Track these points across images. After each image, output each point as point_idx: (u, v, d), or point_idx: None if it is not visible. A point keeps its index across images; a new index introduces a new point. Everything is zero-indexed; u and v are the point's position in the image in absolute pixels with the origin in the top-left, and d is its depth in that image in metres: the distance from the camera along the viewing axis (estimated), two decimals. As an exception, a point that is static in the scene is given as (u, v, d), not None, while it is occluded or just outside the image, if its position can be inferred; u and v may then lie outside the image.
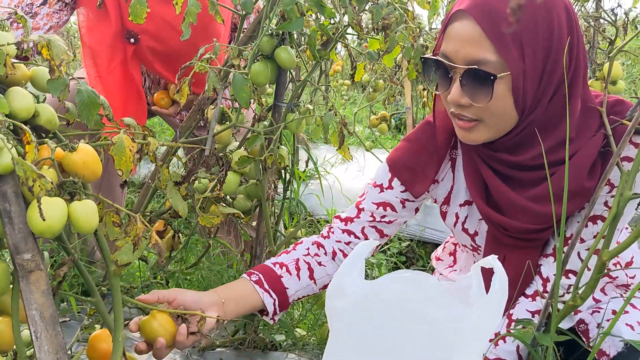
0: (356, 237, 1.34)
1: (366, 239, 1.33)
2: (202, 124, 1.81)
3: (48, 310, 0.90)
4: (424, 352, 0.94)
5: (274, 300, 1.27)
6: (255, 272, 1.29)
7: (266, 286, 1.27)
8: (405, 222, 1.38)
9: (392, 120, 2.84)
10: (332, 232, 1.36)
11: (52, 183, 0.86)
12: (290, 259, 1.32)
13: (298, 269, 1.31)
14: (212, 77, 1.27)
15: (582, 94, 1.09)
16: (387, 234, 1.36)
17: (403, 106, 3.68)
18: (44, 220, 0.85)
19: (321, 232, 1.38)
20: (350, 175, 3.33)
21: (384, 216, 1.32)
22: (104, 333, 1.12)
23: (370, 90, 2.85)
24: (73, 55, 5.17)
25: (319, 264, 1.33)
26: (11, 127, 0.96)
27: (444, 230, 2.61)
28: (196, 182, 1.49)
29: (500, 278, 0.94)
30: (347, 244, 1.34)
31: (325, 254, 1.34)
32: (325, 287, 1.34)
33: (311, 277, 1.32)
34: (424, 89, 2.48)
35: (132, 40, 1.89)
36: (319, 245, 1.35)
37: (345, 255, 1.34)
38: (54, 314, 0.90)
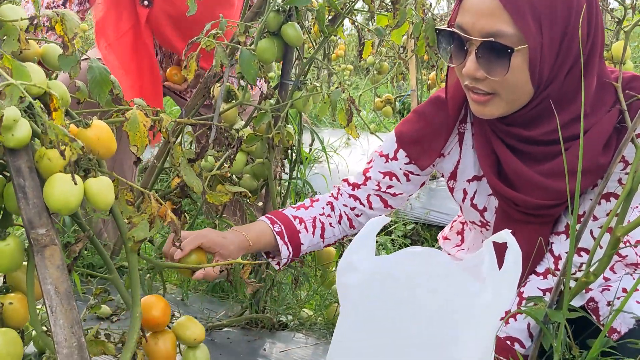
0: (361, 203, 1.37)
1: (370, 207, 1.37)
2: (208, 102, 1.80)
3: (63, 284, 0.90)
4: (435, 330, 0.94)
5: (290, 252, 1.34)
6: (278, 222, 1.34)
7: (286, 239, 1.33)
8: (410, 196, 1.40)
9: (397, 103, 2.82)
10: (341, 195, 1.40)
11: (82, 148, 0.86)
12: (309, 216, 1.38)
13: (314, 227, 1.37)
14: (220, 53, 1.26)
15: (597, 70, 1.08)
16: (390, 205, 1.38)
17: (406, 90, 3.67)
18: (75, 184, 0.85)
19: (331, 192, 1.43)
20: (354, 159, 3.32)
21: (389, 186, 1.34)
22: (155, 299, 1.14)
23: (375, 72, 2.83)
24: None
25: (330, 224, 1.39)
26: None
27: (449, 213, 2.61)
28: (202, 160, 1.48)
29: (514, 252, 0.93)
30: (352, 209, 1.38)
31: (335, 216, 1.40)
32: (328, 245, 1.43)
33: (322, 236, 1.38)
34: (432, 66, 2.45)
35: (145, 2, 1.85)
36: (332, 206, 1.40)
37: (349, 220, 1.40)
38: (68, 288, 0.90)
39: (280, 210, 1.40)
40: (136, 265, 1.00)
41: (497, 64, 1.03)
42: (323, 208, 1.40)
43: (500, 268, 0.93)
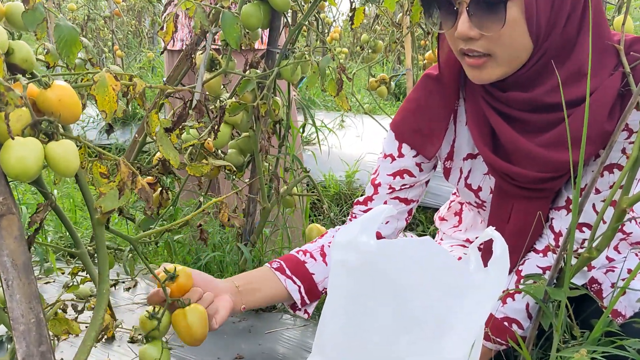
0: None
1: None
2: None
3: (21, 257, 0.82)
4: (424, 319, 0.91)
5: (299, 286, 1.19)
6: (277, 260, 1.22)
7: (288, 272, 1.19)
8: (427, 183, 1.30)
9: (392, 82, 2.73)
10: (355, 217, 1.29)
11: (22, 98, 0.78)
12: (314, 246, 1.26)
13: (323, 254, 1.24)
14: (199, 14, 1.17)
15: (597, 30, 1.00)
16: (412, 199, 1.28)
17: (401, 71, 3.59)
18: (13, 138, 0.77)
19: (345, 222, 1.31)
20: (348, 141, 3.25)
21: (403, 184, 1.25)
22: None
23: (369, 51, 2.74)
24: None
25: None
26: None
27: (444, 195, 2.54)
28: (184, 133, 1.40)
29: (500, 246, 0.89)
30: None
31: None
32: None
33: None
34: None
35: None
36: None
37: None
38: (27, 261, 0.82)
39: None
40: (104, 239, 0.93)
41: (491, 17, 0.96)
42: (332, 236, 1.28)
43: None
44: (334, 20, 5.15)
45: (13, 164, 0.82)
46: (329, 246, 1.25)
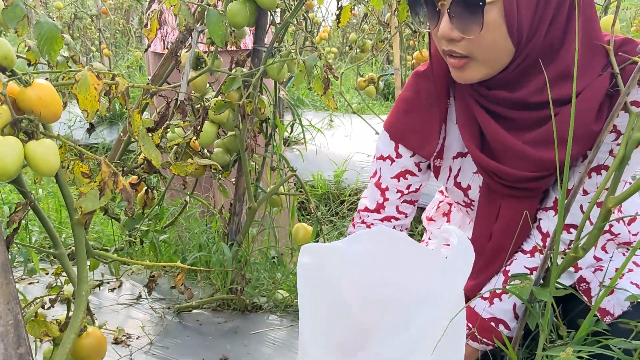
0: (396, 219, 1.25)
1: (405, 216, 1.26)
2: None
3: (-1, 257, 0.81)
4: (394, 311, 0.92)
5: None
6: None
7: None
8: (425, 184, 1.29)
9: (380, 82, 2.73)
10: (371, 226, 1.27)
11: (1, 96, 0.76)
12: None
13: None
14: (184, 11, 1.16)
15: (586, 30, 1.00)
16: (416, 200, 1.27)
17: (389, 70, 3.58)
18: None
19: (350, 228, 1.30)
20: (337, 141, 3.24)
21: (408, 186, 1.23)
22: None
23: (358, 50, 2.73)
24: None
25: None
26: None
27: (431, 195, 2.53)
28: (169, 132, 1.39)
29: (458, 236, 0.92)
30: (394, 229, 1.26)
31: None
32: None
33: None
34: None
35: None
36: None
37: None
38: (5, 261, 0.81)
39: None
40: (83, 240, 0.91)
41: (470, 20, 0.95)
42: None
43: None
44: (324, 20, 5.14)
45: (-8, 163, 0.80)
46: None
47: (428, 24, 1.04)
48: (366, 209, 1.27)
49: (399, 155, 1.21)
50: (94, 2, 5.22)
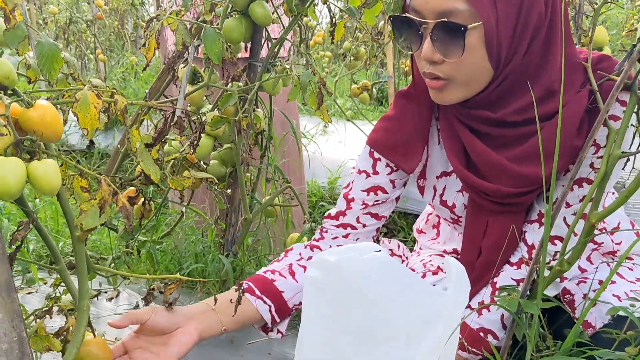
0: (353, 227, 1.27)
1: (364, 226, 1.28)
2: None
3: (2, 275, 0.83)
4: (389, 334, 0.94)
5: (269, 306, 1.18)
6: (245, 281, 1.21)
7: (258, 292, 1.18)
8: (397, 198, 1.32)
9: (374, 89, 2.76)
10: (326, 232, 1.29)
11: (6, 128, 0.79)
12: (282, 264, 1.25)
13: (292, 272, 1.23)
14: (181, 30, 1.19)
15: (564, 48, 1.03)
16: (383, 215, 1.29)
17: (384, 76, 3.62)
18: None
19: (313, 237, 1.31)
20: (330, 147, 3.27)
21: (376, 200, 1.26)
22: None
23: (351, 58, 2.77)
24: (44, 24, 5.00)
25: None
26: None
27: (425, 202, 2.57)
28: (166, 145, 1.42)
29: (456, 269, 0.94)
30: (345, 237, 1.28)
31: None
32: None
33: None
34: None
35: None
36: (313, 247, 1.29)
37: None
38: (9, 279, 0.83)
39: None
40: (83, 256, 0.94)
41: (452, 44, 0.99)
42: (300, 253, 1.28)
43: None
44: (318, 24, 5.17)
45: (-5, 183, 0.83)
46: (298, 264, 1.26)
47: (411, 46, 1.07)
48: (328, 216, 1.30)
49: (375, 172, 1.25)
50: (89, 8, 5.24)
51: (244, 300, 1.14)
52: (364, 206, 1.26)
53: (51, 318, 1.14)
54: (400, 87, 2.89)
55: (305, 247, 1.30)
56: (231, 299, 1.12)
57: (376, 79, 3.87)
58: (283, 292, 1.20)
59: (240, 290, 1.10)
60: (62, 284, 1.33)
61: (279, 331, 1.22)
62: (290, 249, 1.31)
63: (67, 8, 5.26)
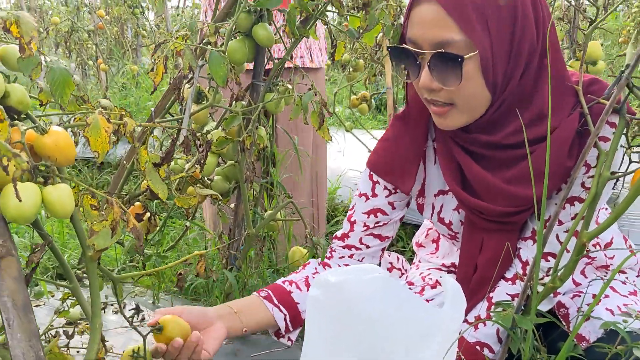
0: (357, 248, 1.34)
1: (367, 247, 1.34)
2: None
3: (20, 296, 0.87)
4: (390, 351, 0.98)
5: (285, 315, 1.26)
6: (264, 289, 1.29)
7: (275, 301, 1.26)
8: (401, 219, 1.37)
9: (373, 100, 2.81)
10: (334, 251, 1.37)
11: (27, 163, 0.83)
12: (300, 277, 1.33)
13: (308, 285, 1.31)
14: (188, 55, 1.23)
15: (556, 71, 1.08)
16: (387, 236, 1.35)
17: (383, 86, 3.66)
18: (20, 201, 0.82)
19: (326, 255, 1.39)
20: (330, 157, 3.30)
21: (377, 222, 1.32)
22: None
23: (351, 70, 2.81)
24: (45, 33, 5.04)
25: None
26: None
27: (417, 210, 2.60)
28: (172, 162, 1.46)
29: (453, 287, 0.97)
30: (350, 257, 1.35)
31: None
32: None
33: None
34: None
35: None
36: (325, 265, 1.37)
37: None
38: (26, 300, 0.87)
39: None
40: (96, 275, 0.98)
41: (450, 73, 1.03)
42: (315, 268, 1.36)
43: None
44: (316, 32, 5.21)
45: (12, 208, 0.86)
46: (313, 277, 1.32)
47: (410, 75, 1.12)
48: (335, 237, 1.38)
49: (374, 195, 1.30)
50: (90, 18, 5.28)
51: (262, 307, 1.24)
52: (365, 228, 1.31)
53: (68, 338, 1.18)
54: (399, 96, 2.93)
55: (319, 264, 1.37)
56: (251, 304, 1.23)
57: (375, 89, 3.92)
58: (298, 303, 1.28)
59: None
60: (71, 297, 1.38)
61: (289, 339, 1.30)
62: (307, 264, 1.38)
63: (68, 18, 5.30)
